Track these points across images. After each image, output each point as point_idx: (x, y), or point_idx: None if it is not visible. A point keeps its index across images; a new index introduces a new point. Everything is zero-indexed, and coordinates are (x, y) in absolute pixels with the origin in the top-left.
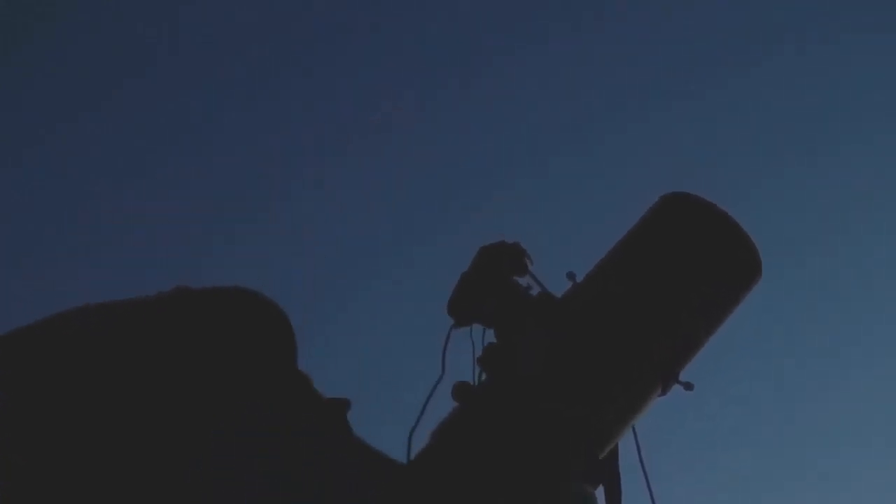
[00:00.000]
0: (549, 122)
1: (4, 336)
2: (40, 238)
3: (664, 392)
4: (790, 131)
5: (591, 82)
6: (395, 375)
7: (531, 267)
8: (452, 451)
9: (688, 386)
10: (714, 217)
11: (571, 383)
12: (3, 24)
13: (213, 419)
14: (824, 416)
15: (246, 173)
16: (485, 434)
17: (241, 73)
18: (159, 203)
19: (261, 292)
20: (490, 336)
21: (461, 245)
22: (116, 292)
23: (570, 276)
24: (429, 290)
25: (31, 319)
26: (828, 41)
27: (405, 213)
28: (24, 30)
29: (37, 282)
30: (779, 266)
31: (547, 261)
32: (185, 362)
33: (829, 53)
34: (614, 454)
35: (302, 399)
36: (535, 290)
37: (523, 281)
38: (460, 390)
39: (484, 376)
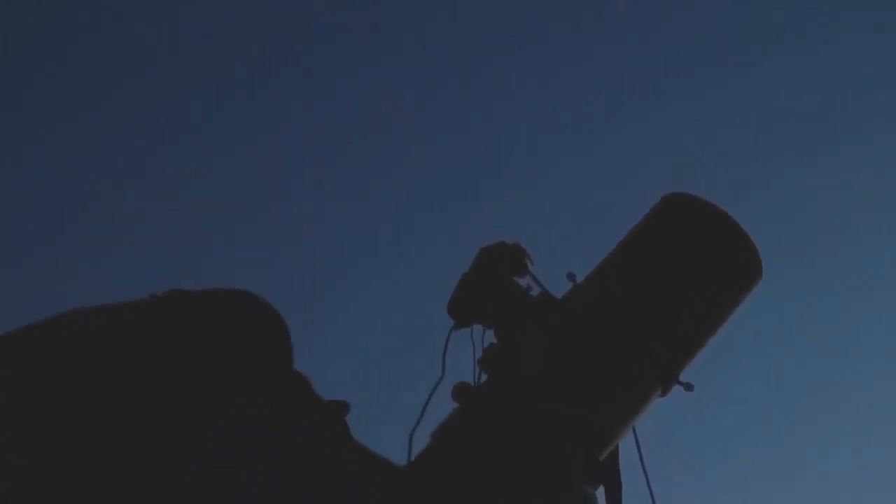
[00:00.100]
0: (549, 123)
1: (4, 336)
2: (38, 239)
3: (664, 393)
4: (790, 132)
5: (591, 83)
6: (396, 376)
7: (531, 268)
8: (453, 451)
9: (688, 387)
10: (714, 218)
11: (571, 384)
12: (3, 25)
13: (210, 420)
14: (824, 417)
15: (246, 173)
16: (485, 435)
17: (240, 73)
18: (158, 204)
19: (255, 293)
20: (490, 337)
21: (461, 246)
22: (114, 293)
23: (570, 276)
24: (429, 291)
25: (30, 320)
26: (828, 41)
27: (405, 214)
28: (23, 30)
29: (35, 282)
30: (779, 267)
31: (547, 261)
32: (182, 363)
33: (830, 53)
34: (615, 455)
35: (301, 401)
36: (536, 291)
37: (523, 282)
38: (460, 391)
39: (484, 377)
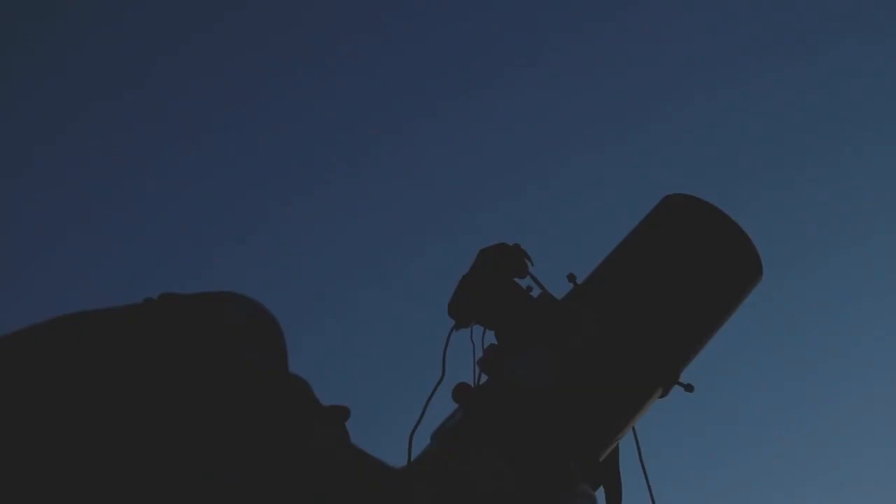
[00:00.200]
0: (549, 125)
1: None
2: (38, 241)
3: (665, 394)
4: (790, 133)
5: (592, 86)
6: (396, 377)
7: (531, 268)
8: (453, 452)
9: (688, 388)
10: (714, 218)
11: (575, 388)
12: (3, 25)
13: (203, 426)
14: (824, 418)
15: (245, 174)
16: (485, 436)
17: (240, 76)
18: (157, 205)
19: (248, 296)
20: (490, 337)
21: (461, 247)
22: (113, 296)
23: (571, 277)
24: (429, 292)
25: (24, 324)
26: (829, 47)
27: (405, 215)
28: (23, 30)
29: (29, 286)
30: (779, 267)
31: (547, 262)
32: (174, 368)
33: (832, 59)
34: (615, 455)
35: (298, 406)
36: (536, 292)
37: (523, 282)
38: (460, 392)
39: (484, 378)
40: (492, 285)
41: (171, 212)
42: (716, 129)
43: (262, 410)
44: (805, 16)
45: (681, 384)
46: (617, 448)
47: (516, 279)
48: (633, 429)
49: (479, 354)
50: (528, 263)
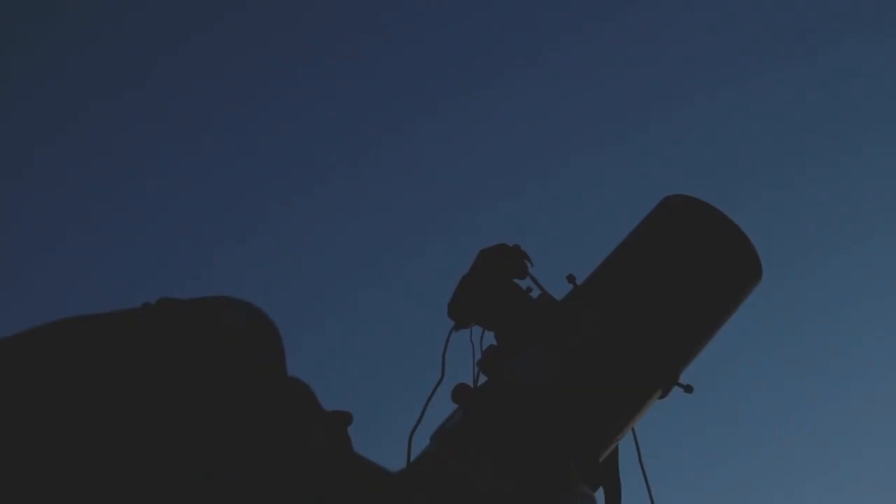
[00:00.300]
0: (549, 125)
1: None
2: (35, 242)
3: (664, 394)
4: (789, 134)
5: (592, 86)
6: (396, 377)
7: (531, 269)
8: (452, 453)
9: (687, 389)
10: (714, 219)
11: (575, 389)
12: (3, 25)
13: (202, 429)
14: (824, 418)
15: (247, 176)
16: (484, 436)
17: (239, 76)
18: (157, 205)
19: (245, 300)
20: (490, 338)
21: (461, 247)
22: (113, 295)
23: (570, 278)
24: (429, 293)
25: (25, 323)
26: (829, 47)
27: (405, 215)
28: (23, 30)
29: (29, 286)
30: (779, 267)
31: (547, 263)
32: (172, 372)
33: (832, 59)
34: (614, 456)
35: (299, 408)
36: (536, 293)
37: (523, 283)
38: (460, 392)
39: (483, 378)
40: (491, 286)
41: (171, 212)
42: (716, 129)
43: (261, 412)
44: (805, 16)
45: (680, 385)
46: (616, 449)
47: (516, 280)
48: (633, 429)
49: (479, 355)
50: (528, 264)
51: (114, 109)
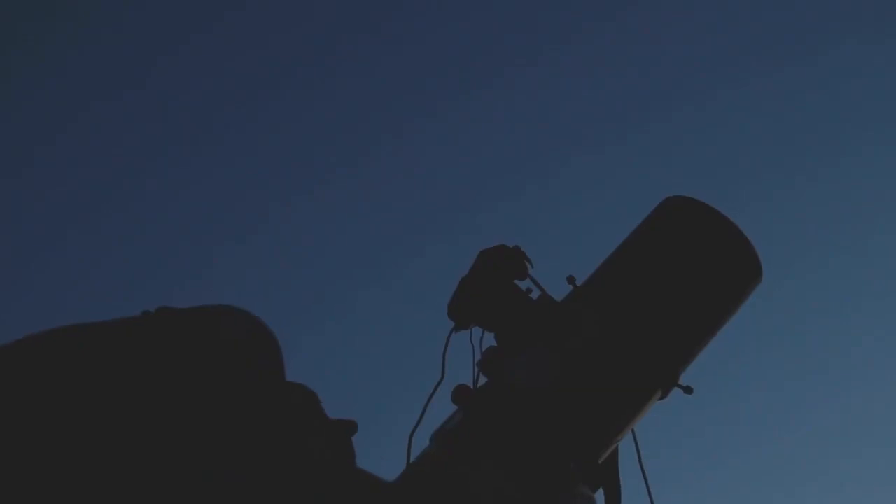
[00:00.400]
0: (549, 125)
1: None
2: (35, 242)
3: (664, 395)
4: (790, 133)
5: (592, 86)
6: (396, 378)
7: (531, 270)
8: (452, 454)
9: (687, 390)
10: (714, 220)
11: (575, 390)
12: (3, 25)
13: (198, 439)
14: (824, 418)
15: (247, 176)
16: (484, 437)
17: (239, 76)
18: (157, 205)
19: (245, 309)
20: (490, 339)
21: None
22: (113, 296)
23: (570, 279)
24: (429, 294)
25: (25, 323)
26: (828, 49)
27: (405, 215)
28: (23, 30)
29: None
30: (779, 268)
31: (547, 264)
32: (170, 378)
33: (832, 59)
34: (614, 457)
35: (297, 417)
36: (536, 294)
37: (523, 284)
38: (460, 393)
39: (483, 379)
40: (491, 287)
41: (171, 212)
42: (716, 129)
43: (257, 419)
44: (805, 16)
45: (680, 386)
46: (616, 449)
47: (516, 281)
48: (633, 430)
49: (479, 356)
50: (528, 265)
51: (114, 109)
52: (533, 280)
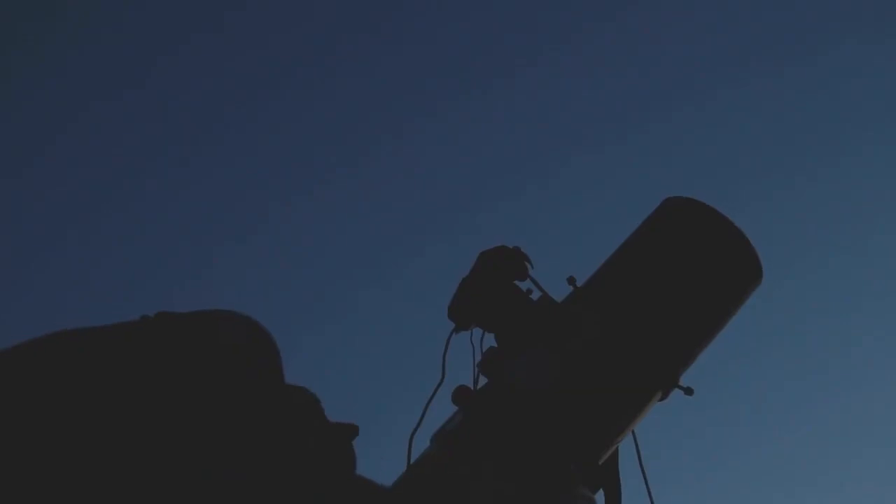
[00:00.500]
0: (549, 125)
1: None
2: (35, 242)
3: (664, 397)
4: (790, 133)
5: (592, 86)
6: (396, 379)
7: (531, 271)
8: (452, 455)
9: (688, 391)
10: (715, 220)
11: (575, 391)
12: (3, 25)
13: (197, 442)
14: (824, 418)
15: (247, 176)
16: (485, 438)
17: (239, 76)
18: (157, 205)
19: (244, 313)
20: (490, 340)
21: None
22: (113, 296)
23: (571, 280)
24: (429, 295)
25: (25, 324)
26: (828, 49)
27: (405, 215)
28: (23, 30)
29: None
30: (779, 268)
31: (547, 265)
32: (169, 386)
33: (832, 59)
34: (614, 458)
35: (296, 420)
36: (536, 294)
37: (524, 285)
38: (460, 394)
39: (483, 380)
40: (492, 288)
41: (171, 212)
42: (716, 129)
43: (255, 422)
44: (805, 16)
45: (680, 387)
46: (616, 451)
47: (516, 282)
48: (633, 431)
49: (479, 357)
50: (528, 266)
51: (114, 109)
52: (533, 281)
